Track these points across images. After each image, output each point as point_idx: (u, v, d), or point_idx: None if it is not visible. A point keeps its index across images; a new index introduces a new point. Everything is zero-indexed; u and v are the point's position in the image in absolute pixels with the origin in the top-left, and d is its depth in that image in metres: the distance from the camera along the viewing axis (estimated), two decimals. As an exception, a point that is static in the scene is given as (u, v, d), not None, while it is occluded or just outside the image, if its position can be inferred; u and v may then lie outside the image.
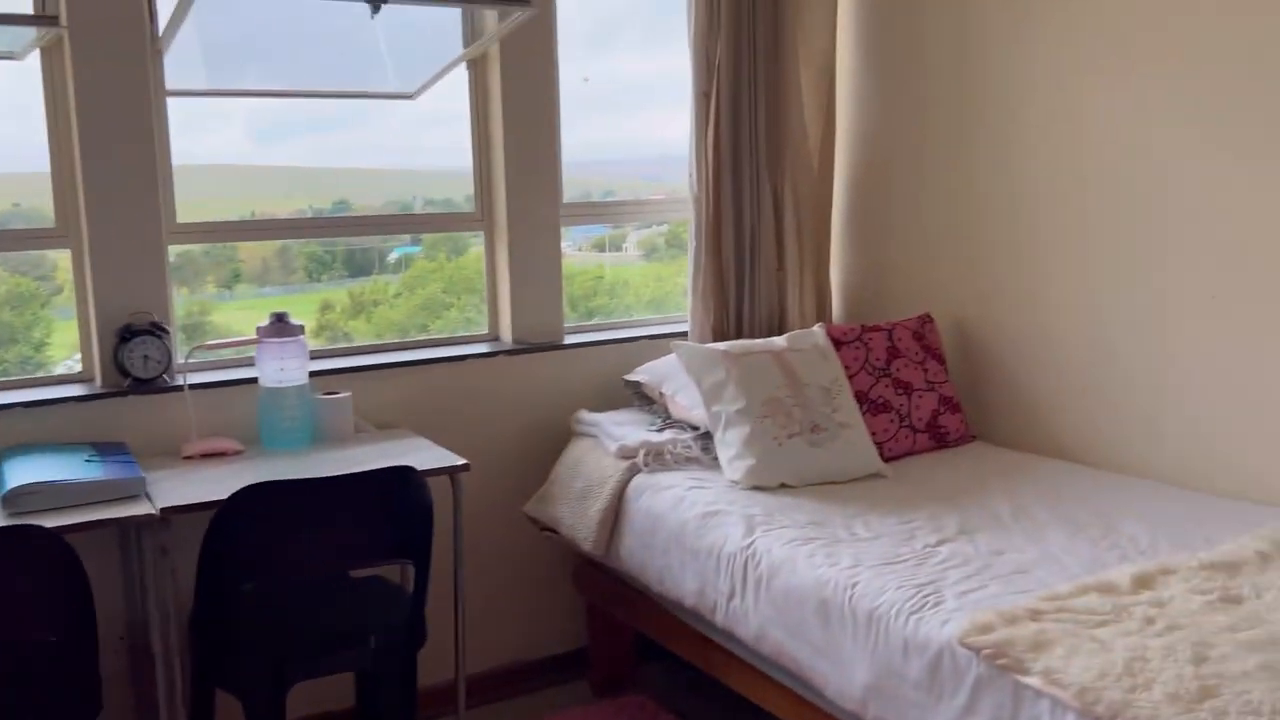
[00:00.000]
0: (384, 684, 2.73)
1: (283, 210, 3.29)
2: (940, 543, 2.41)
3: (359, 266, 3.47)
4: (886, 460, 3.02)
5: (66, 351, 2.96)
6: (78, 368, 2.90)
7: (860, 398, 3.07)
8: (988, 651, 1.85)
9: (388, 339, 3.38)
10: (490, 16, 3.19)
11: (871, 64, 3.62)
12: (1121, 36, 2.86)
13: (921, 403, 3.16)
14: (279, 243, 3.33)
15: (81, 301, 2.85)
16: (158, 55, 2.84)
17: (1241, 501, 2.64)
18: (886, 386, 3.13)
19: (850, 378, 3.09)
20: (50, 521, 2.20)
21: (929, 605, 2.08)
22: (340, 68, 3.18)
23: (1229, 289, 2.68)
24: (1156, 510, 2.57)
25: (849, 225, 3.76)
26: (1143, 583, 2.06)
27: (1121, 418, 2.96)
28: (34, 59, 2.75)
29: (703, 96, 3.40)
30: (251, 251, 3.32)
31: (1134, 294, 2.89)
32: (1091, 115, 2.96)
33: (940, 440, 3.17)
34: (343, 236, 3.37)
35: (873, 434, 3.03)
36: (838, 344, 3.15)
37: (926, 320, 3.34)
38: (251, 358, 2.90)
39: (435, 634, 2.69)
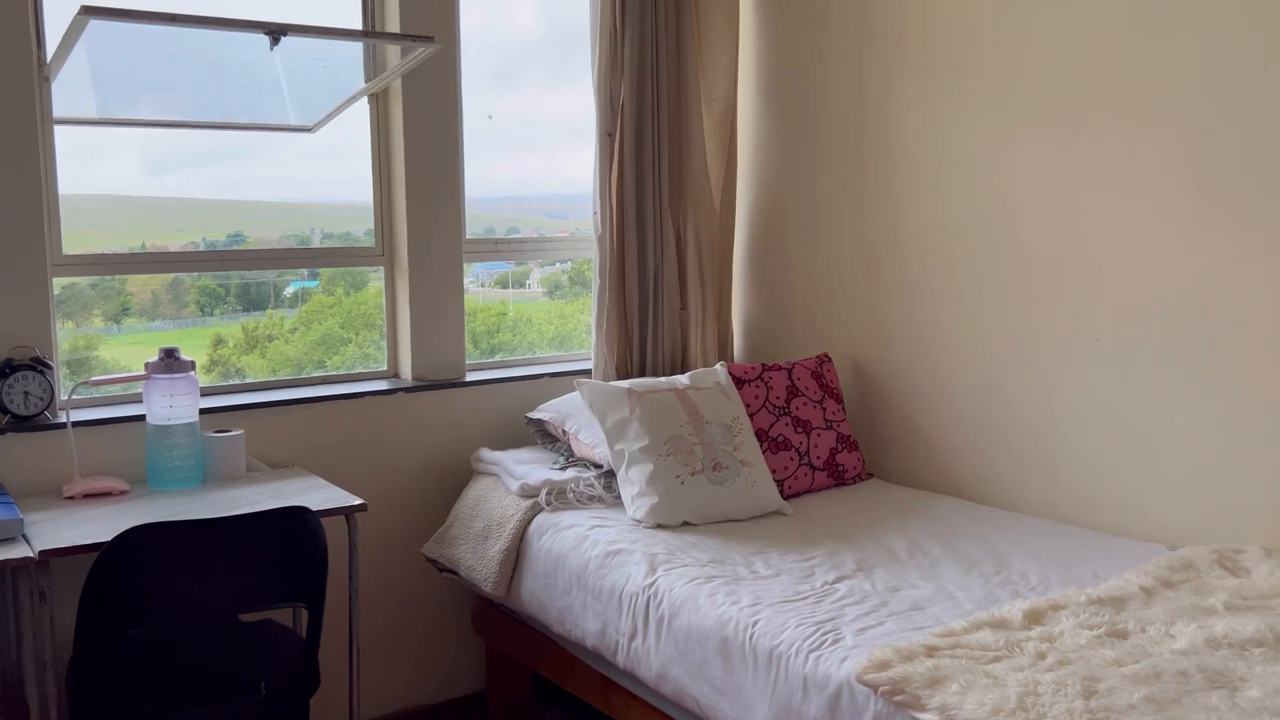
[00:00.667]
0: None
1: (175, 243, 3.20)
2: (839, 580, 2.43)
3: (253, 301, 3.39)
4: (786, 498, 3.05)
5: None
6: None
7: (761, 436, 3.10)
8: (885, 688, 1.87)
9: (283, 375, 3.31)
10: (393, 51, 3.17)
11: (771, 109, 3.69)
12: (1005, 87, 2.97)
13: (820, 441, 3.20)
14: (170, 276, 3.24)
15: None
16: (45, 82, 2.76)
17: (1127, 538, 2.73)
18: (786, 425, 3.17)
19: (751, 416, 3.12)
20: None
21: (828, 643, 2.10)
22: (239, 99, 3.12)
23: (1112, 331, 2.78)
24: (1047, 546, 2.63)
25: (750, 266, 3.81)
26: (1034, 618, 2.10)
27: (1013, 456, 3.03)
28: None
29: (607, 136, 3.42)
30: (141, 284, 3.22)
31: (1022, 336, 2.98)
32: (979, 163, 3.05)
33: (838, 478, 3.21)
34: (237, 270, 3.29)
35: (773, 471, 3.05)
36: (739, 382, 3.17)
37: (825, 360, 3.39)
38: (140, 394, 2.81)
39: (330, 679, 2.62)
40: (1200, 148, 2.58)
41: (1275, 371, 2.48)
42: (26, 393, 2.67)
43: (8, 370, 2.65)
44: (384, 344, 3.41)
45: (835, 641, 2.10)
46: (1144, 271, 2.71)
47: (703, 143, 3.57)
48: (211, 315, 3.34)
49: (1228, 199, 2.54)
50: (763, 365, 3.28)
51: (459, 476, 3.31)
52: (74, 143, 2.87)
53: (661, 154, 3.50)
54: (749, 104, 3.76)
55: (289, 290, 3.47)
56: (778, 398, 3.21)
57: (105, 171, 3.08)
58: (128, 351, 3.11)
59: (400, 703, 3.34)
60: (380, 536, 3.20)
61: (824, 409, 3.27)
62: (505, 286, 3.96)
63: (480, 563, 2.96)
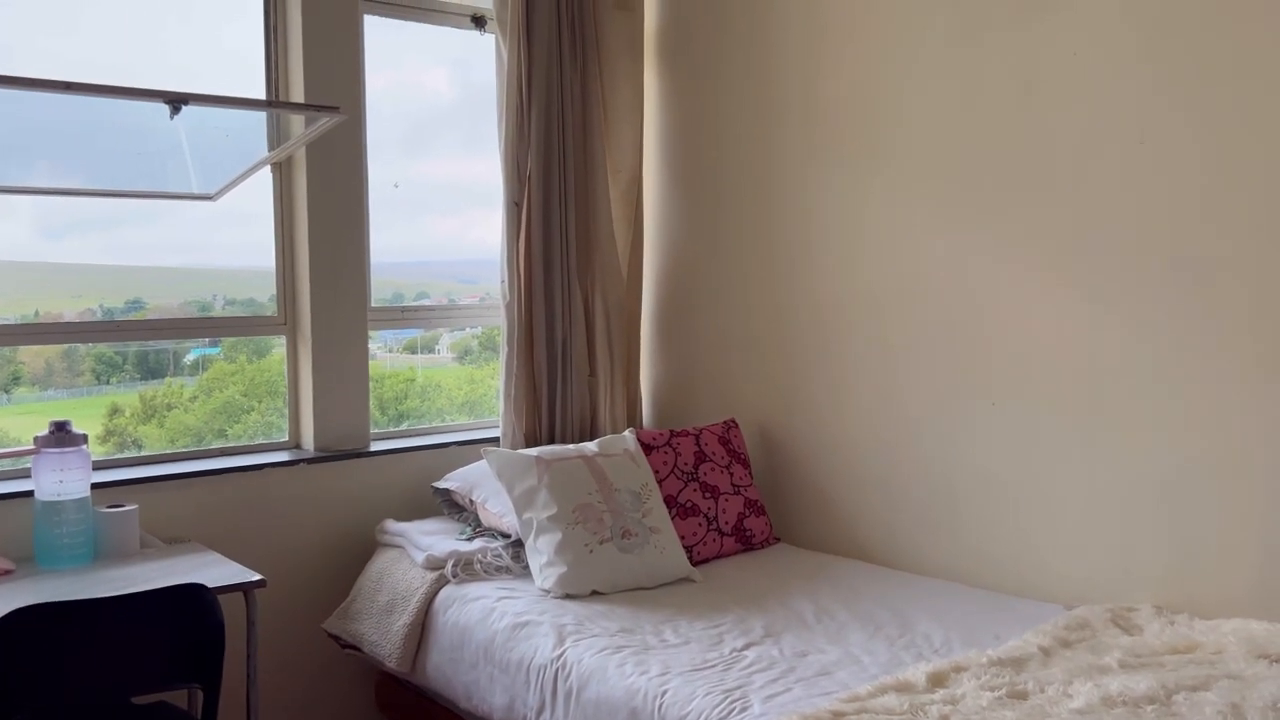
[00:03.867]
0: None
1: (71, 310, 3.12)
2: (747, 646, 2.44)
3: (152, 369, 3.31)
4: (695, 563, 3.05)
5: None
6: None
7: (669, 501, 3.11)
8: (793, 756, 1.87)
9: (181, 445, 3.22)
10: (297, 120, 3.16)
11: (676, 181, 3.75)
12: (903, 161, 3.07)
13: (728, 506, 3.22)
14: (65, 345, 3.15)
15: None
16: (-68, 148, 2.68)
17: (1026, 598, 2.78)
18: (695, 490, 3.18)
19: (660, 482, 3.13)
20: None
21: (736, 711, 2.09)
22: (139, 167, 3.07)
23: (1007, 396, 2.87)
24: (950, 608, 2.67)
25: (658, 333, 3.85)
26: (937, 680, 2.13)
27: (916, 519, 3.09)
28: None
29: (514, 205, 3.44)
30: (34, 352, 3.13)
31: (922, 400, 3.05)
32: (878, 234, 3.14)
33: (746, 543, 3.23)
34: (135, 340, 3.21)
35: (682, 537, 3.06)
36: (647, 449, 3.19)
37: (731, 425, 3.42)
38: (28, 469, 2.71)
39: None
40: (1087, 222, 2.69)
41: (1162, 435, 2.58)
42: (-95, 469, 2.56)
43: (-115, 446, 2.54)
44: (287, 412, 3.35)
45: (744, 709, 2.10)
46: (1035, 338, 2.81)
47: (609, 213, 3.61)
48: (108, 384, 3.25)
49: (1111, 272, 2.65)
50: (671, 431, 3.30)
51: (363, 549, 3.25)
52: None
53: (569, 223, 3.53)
54: (655, 175, 3.82)
55: (189, 357, 3.40)
56: (686, 463, 3.22)
57: (-3, 236, 3.00)
58: (18, 422, 3.01)
59: (301, 785, 3.23)
60: (281, 613, 3.12)
61: (731, 474, 3.29)
62: (414, 352, 3.94)
63: (384, 638, 2.90)
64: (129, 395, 3.27)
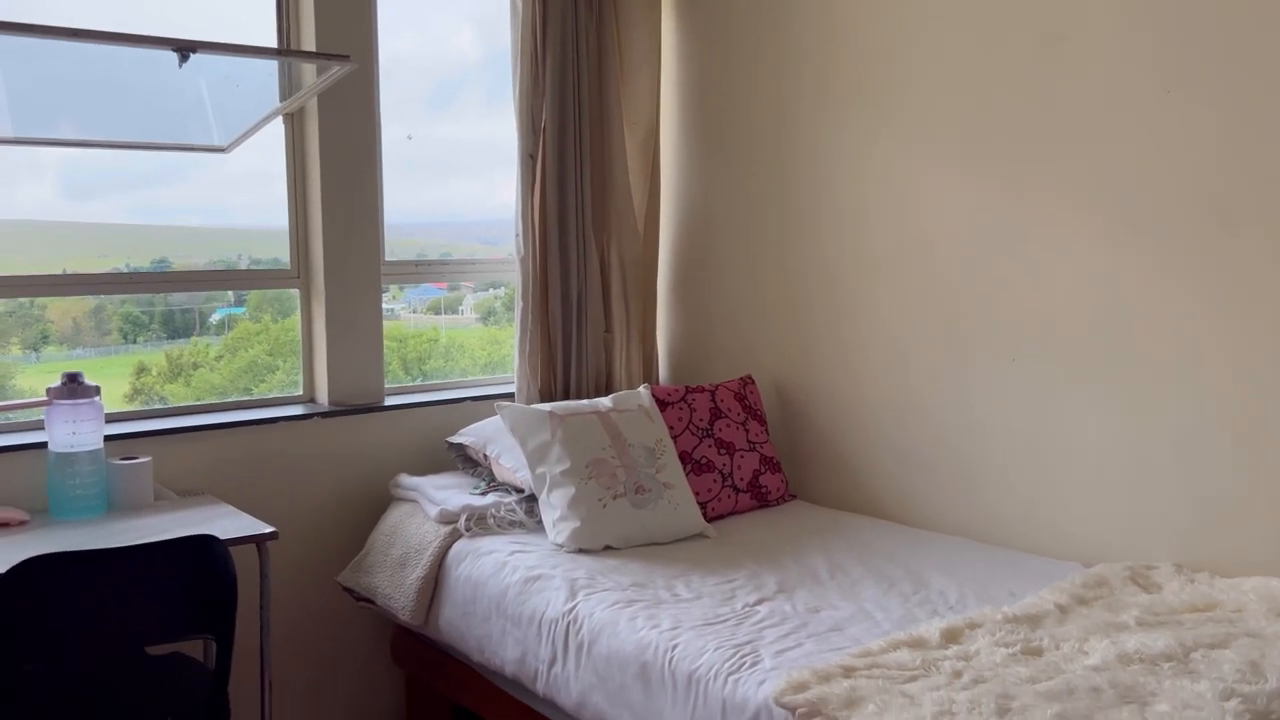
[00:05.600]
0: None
1: (98, 269, 3.11)
2: (759, 601, 2.42)
3: (178, 328, 3.31)
4: (710, 520, 3.04)
5: None
6: None
7: (684, 458, 3.09)
8: (802, 710, 1.85)
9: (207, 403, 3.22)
10: (309, 70, 3.12)
11: (694, 133, 3.70)
12: (924, 114, 3.01)
13: (743, 462, 3.19)
14: (92, 303, 3.15)
15: None
16: (-58, 98, 2.67)
17: (1043, 556, 2.75)
18: (709, 447, 3.16)
19: (675, 438, 3.10)
20: None
21: (747, 665, 2.08)
22: (152, 120, 3.04)
23: (1028, 352, 2.82)
24: (965, 566, 2.65)
25: (674, 288, 3.81)
26: (951, 637, 2.11)
27: (932, 476, 3.06)
28: None
29: (529, 158, 3.40)
30: (62, 311, 3.13)
31: (941, 358, 3.01)
32: (900, 190, 3.09)
33: (761, 499, 3.21)
34: (157, 294, 3.20)
35: (696, 494, 3.04)
36: (662, 405, 3.16)
37: (748, 382, 3.39)
38: (42, 420, 2.71)
39: (242, 712, 2.53)
40: (1106, 174, 2.63)
41: (1183, 391, 2.53)
42: (-81, 420, 2.57)
43: (-101, 396, 2.55)
44: (301, 366, 3.34)
45: (754, 664, 2.08)
46: (1055, 293, 2.75)
47: (625, 165, 3.57)
48: (135, 343, 3.25)
49: (1132, 223, 2.59)
50: (686, 387, 3.27)
51: (377, 503, 3.25)
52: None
53: (584, 176, 3.49)
54: (672, 128, 3.76)
55: (215, 317, 3.40)
56: (701, 420, 3.20)
57: (24, 196, 2.98)
58: (47, 380, 3.01)
59: (317, 736, 3.25)
60: (294, 565, 3.12)
61: (747, 431, 3.26)
62: (438, 313, 3.92)
63: (398, 591, 2.90)
64: (155, 354, 3.27)
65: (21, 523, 2.60)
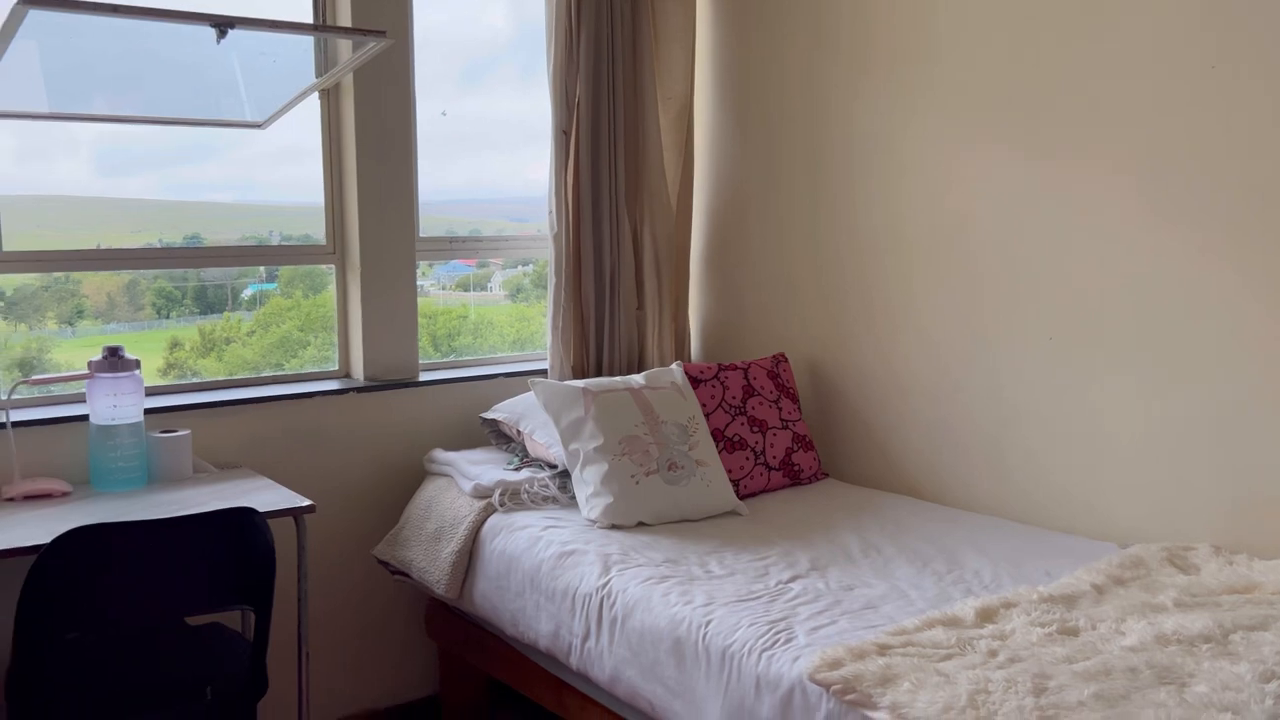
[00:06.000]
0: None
1: (131, 245, 3.13)
2: (793, 579, 2.42)
3: (211, 304, 3.33)
4: (742, 497, 3.04)
5: None
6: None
7: (717, 435, 3.09)
8: (837, 687, 1.86)
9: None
10: (345, 46, 3.13)
11: (728, 111, 3.68)
12: (960, 91, 2.98)
13: (776, 440, 3.19)
14: (126, 278, 3.18)
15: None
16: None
17: (1078, 536, 2.74)
18: (742, 424, 3.16)
19: (707, 415, 3.10)
20: None
21: (780, 642, 2.08)
22: (190, 95, 3.06)
23: (1065, 331, 2.80)
24: (1000, 545, 2.64)
25: (707, 266, 3.80)
26: (986, 616, 2.10)
27: (966, 455, 3.04)
28: None
29: (562, 134, 3.40)
30: (96, 286, 3.16)
31: (976, 336, 2.99)
32: (934, 167, 3.06)
33: (794, 477, 3.20)
34: (190, 269, 3.23)
35: (728, 471, 3.04)
36: (695, 382, 3.16)
37: (781, 360, 3.39)
38: (84, 394, 2.74)
39: (279, 683, 2.57)
40: (1147, 150, 2.60)
41: (1222, 370, 2.51)
42: (-36, 392, 2.61)
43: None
44: (336, 342, 3.36)
45: (788, 641, 2.09)
46: (1094, 271, 2.73)
47: (659, 141, 3.55)
48: (168, 318, 3.28)
49: (1174, 200, 2.56)
50: (719, 365, 3.27)
51: (411, 478, 3.27)
52: (25, 142, 2.79)
53: (617, 152, 3.48)
54: (706, 104, 3.75)
55: (247, 292, 3.42)
56: (734, 397, 3.20)
57: (59, 172, 3.01)
58: (82, 354, 3.05)
59: (351, 707, 3.29)
60: (330, 538, 3.16)
61: (780, 409, 3.26)
62: (467, 289, 3.93)
63: (432, 565, 2.93)
64: (188, 329, 3.30)
65: (64, 494, 2.64)
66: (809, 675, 1.92)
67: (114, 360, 2.67)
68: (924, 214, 3.11)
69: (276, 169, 3.34)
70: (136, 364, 2.71)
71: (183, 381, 3.14)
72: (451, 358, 3.67)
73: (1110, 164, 2.67)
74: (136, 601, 2.33)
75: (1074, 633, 2.04)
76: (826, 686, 1.88)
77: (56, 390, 2.88)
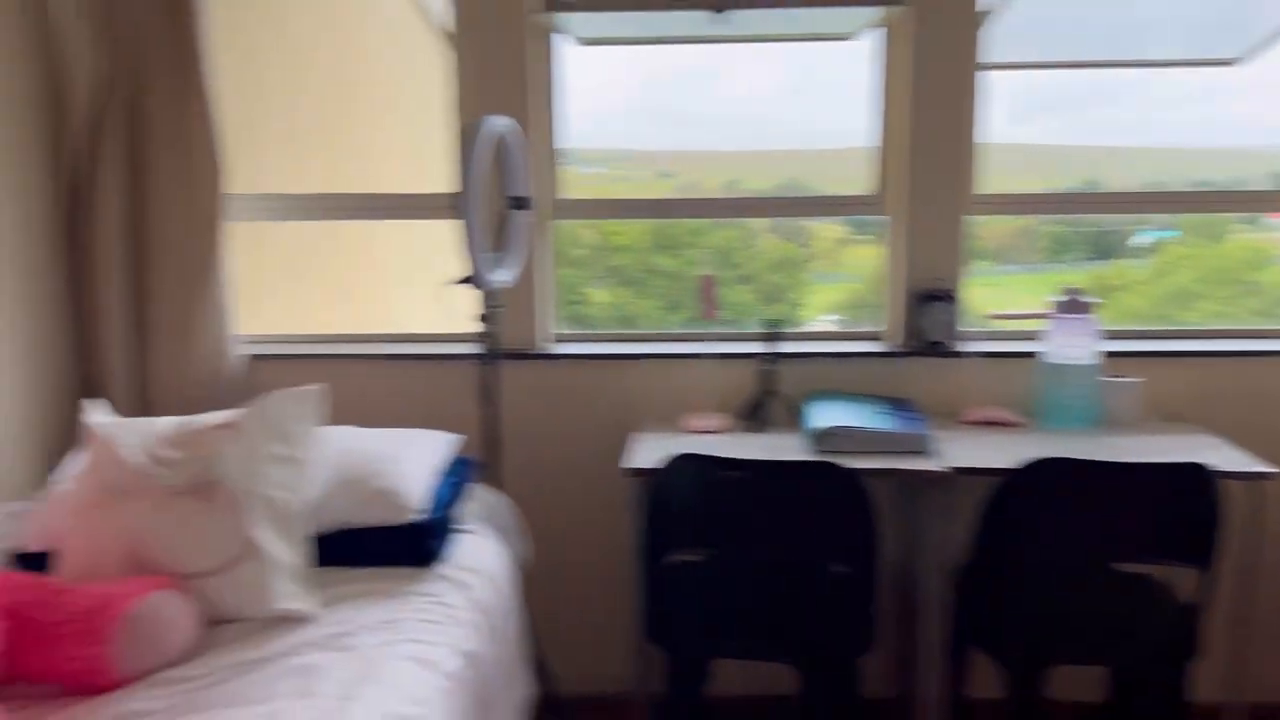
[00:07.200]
0: (1145, 689, 2.57)
1: (1025, 190, 3.16)
2: None
3: (1102, 249, 3.27)
4: None
5: (815, 312, 3.16)
6: (826, 328, 3.04)
7: None
8: None
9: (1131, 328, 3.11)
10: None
11: None
12: None
13: None
14: (1020, 222, 3.24)
15: (894, 265, 2.97)
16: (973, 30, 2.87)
17: None
18: None
19: None
20: (850, 463, 2.31)
21: None
22: (1144, 34, 2.99)
23: None
24: None
25: None
26: None
27: None
28: (869, 40, 2.94)
29: None
30: (990, 230, 3.26)
31: None
32: None
33: None
34: (1085, 215, 3.15)
35: None
36: None
37: None
38: (1023, 332, 2.87)
39: (1215, 651, 2.45)
40: None
41: None
42: (938, 321, 2.88)
43: (926, 300, 2.89)
44: (1243, 301, 3.03)
45: None
46: None
47: None
48: (1060, 262, 3.30)
49: None
50: None
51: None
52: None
53: None
54: None
55: (1141, 239, 3.28)
56: None
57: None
58: (977, 294, 3.17)
59: None
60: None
61: None
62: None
63: None
64: (1078, 274, 3.27)
65: (1014, 424, 2.80)
66: None
67: (1073, 303, 2.74)
68: None
69: (1178, 110, 3.10)
70: (1092, 307, 2.75)
71: (1132, 328, 3.08)
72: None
73: None
74: (1076, 538, 2.39)
75: None
76: None
77: (1000, 326, 3.04)
